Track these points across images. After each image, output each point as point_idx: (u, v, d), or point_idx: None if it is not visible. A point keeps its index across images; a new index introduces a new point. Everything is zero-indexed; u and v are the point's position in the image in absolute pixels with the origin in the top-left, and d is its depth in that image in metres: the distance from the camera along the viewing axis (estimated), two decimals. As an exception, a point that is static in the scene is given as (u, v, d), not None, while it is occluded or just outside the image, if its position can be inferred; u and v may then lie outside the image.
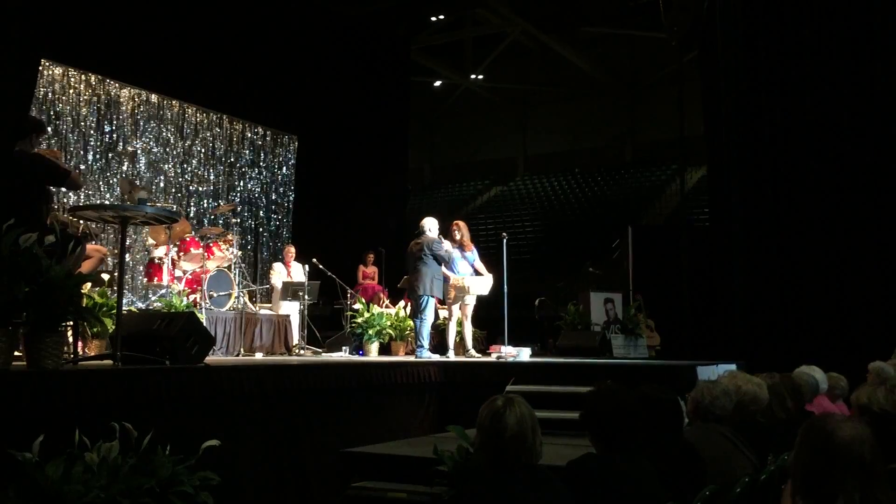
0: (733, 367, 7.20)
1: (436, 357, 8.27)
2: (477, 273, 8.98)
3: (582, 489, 2.86)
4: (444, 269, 8.63)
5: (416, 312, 8.55)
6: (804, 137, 9.82)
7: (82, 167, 10.18)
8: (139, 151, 11.11)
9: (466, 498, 2.67)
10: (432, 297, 8.42)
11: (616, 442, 3.09)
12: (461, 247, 8.88)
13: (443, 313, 10.10)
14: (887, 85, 9.50)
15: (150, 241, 9.11)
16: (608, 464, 3.03)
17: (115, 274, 6.50)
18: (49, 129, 9.93)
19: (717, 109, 10.62)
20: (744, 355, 9.02)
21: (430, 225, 8.65)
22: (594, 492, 2.88)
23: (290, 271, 10.60)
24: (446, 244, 8.61)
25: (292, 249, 10.97)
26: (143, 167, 11.16)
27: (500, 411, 2.71)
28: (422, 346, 8.38)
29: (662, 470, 3.10)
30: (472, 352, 8.99)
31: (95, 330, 5.96)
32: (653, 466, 3.08)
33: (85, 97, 10.42)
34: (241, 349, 8.51)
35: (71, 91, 10.26)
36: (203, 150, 12.04)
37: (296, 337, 9.56)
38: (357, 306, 9.99)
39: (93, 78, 10.52)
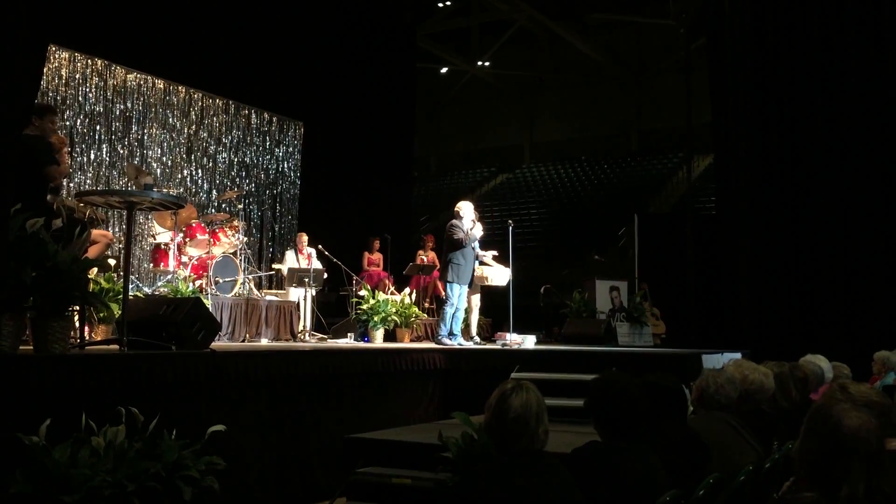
0: (738, 355, 7.21)
1: (452, 343, 8.21)
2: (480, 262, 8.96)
3: (586, 477, 2.87)
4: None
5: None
6: (812, 126, 9.78)
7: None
8: (145, 137, 11.10)
9: (470, 483, 2.67)
10: (452, 283, 8.31)
11: (620, 430, 3.09)
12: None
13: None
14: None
15: (157, 227, 9.12)
16: (612, 451, 3.03)
17: (122, 258, 6.51)
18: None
19: (724, 97, 10.58)
20: (749, 344, 9.03)
21: (460, 209, 8.50)
22: (598, 479, 2.89)
23: (299, 260, 10.55)
24: (473, 227, 8.40)
25: (304, 237, 10.89)
26: (148, 153, 11.15)
27: (507, 393, 2.73)
28: (441, 332, 8.37)
29: (666, 458, 3.10)
30: (477, 339, 9.00)
31: (102, 315, 5.97)
32: (657, 454, 3.08)
33: (91, 82, 10.41)
34: (247, 335, 8.53)
35: (77, 76, 10.24)
36: (209, 136, 12.02)
37: (301, 323, 9.58)
38: (362, 293, 10.00)
39: (99, 63, 10.51)
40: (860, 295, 9.27)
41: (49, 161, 5.28)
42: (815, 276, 9.51)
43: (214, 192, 11.96)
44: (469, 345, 8.41)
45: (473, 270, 8.55)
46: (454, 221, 8.41)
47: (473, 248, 8.50)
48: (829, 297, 9.39)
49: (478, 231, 8.45)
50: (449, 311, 8.35)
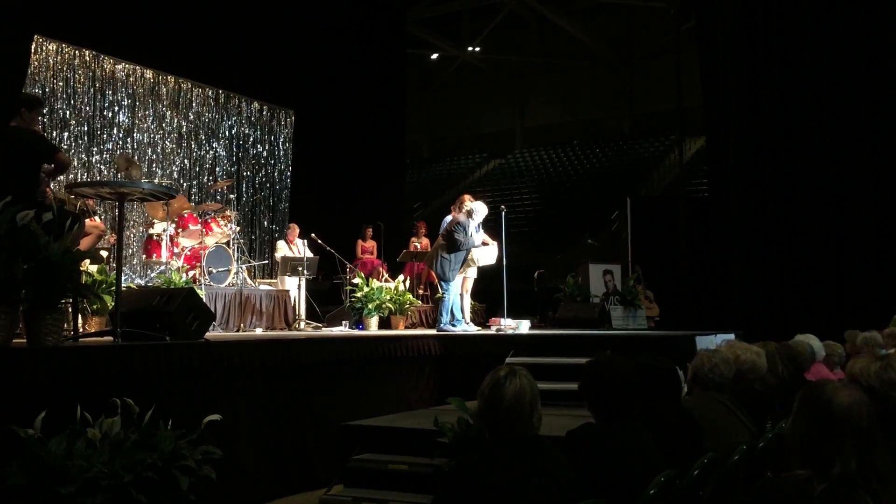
0: (731, 336, 7.24)
1: (457, 330, 8.22)
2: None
3: (581, 458, 2.88)
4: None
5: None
6: (803, 107, 9.79)
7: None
8: (134, 128, 11.04)
9: (464, 468, 2.68)
10: (440, 276, 8.35)
11: (615, 411, 3.10)
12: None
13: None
14: (887, 55, 9.45)
15: (151, 218, 9.09)
16: (607, 433, 3.04)
17: (114, 250, 6.49)
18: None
19: (715, 79, 10.56)
20: (742, 325, 9.06)
21: (471, 207, 8.36)
22: (593, 461, 2.90)
23: (292, 249, 10.59)
24: (474, 234, 8.36)
25: (296, 228, 10.94)
26: (139, 143, 11.09)
27: (500, 381, 2.71)
28: (443, 321, 8.34)
29: (661, 438, 3.12)
30: (471, 325, 9.00)
31: (95, 307, 5.97)
32: (651, 435, 3.10)
33: (79, 73, 10.34)
34: (241, 325, 8.53)
35: (65, 67, 10.17)
36: (199, 126, 11.97)
37: (295, 312, 9.57)
38: (356, 281, 9.99)
39: (87, 54, 10.43)
40: (851, 275, 9.31)
41: (51, 150, 5.30)
42: (807, 257, 9.55)
43: (205, 181, 11.92)
44: (468, 330, 8.43)
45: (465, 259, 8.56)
46: (461, 220, 8.27)
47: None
48: (821, 277, 9.43)
49: (478, 239, 8.45)
50: (448, 298, 8.33)
